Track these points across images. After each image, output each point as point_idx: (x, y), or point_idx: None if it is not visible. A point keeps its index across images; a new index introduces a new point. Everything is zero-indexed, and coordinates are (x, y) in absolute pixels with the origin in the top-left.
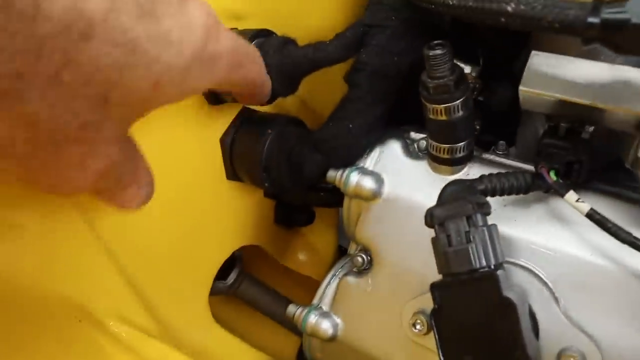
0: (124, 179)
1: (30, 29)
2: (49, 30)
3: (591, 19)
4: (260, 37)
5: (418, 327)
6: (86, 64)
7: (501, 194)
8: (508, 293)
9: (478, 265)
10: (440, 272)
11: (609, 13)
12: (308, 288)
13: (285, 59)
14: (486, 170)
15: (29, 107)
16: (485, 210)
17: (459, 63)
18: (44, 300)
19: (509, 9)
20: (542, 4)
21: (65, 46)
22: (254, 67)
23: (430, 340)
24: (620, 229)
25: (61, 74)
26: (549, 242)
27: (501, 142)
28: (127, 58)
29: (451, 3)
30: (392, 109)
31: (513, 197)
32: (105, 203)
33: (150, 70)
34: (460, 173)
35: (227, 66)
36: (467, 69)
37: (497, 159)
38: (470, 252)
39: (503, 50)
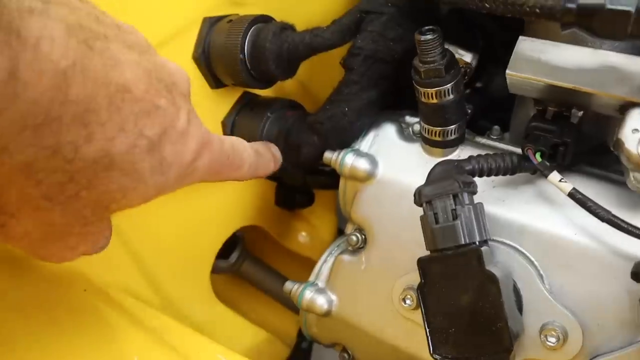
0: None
1: (66, 166)
2: (81, 166)
3: (568, 5)
4: (259, 22)
5: (408, 302)
6: (100, 187)
7: (488, 175)
8: (491, 268)
9: (463, 242)
10: (428, 248)
11: None
12: (308, 269)
13: (283, 44)
14: (477, 153)
15: (50, 215)
16: (472, 189)
17: (461, 51)
18: (51, 269)
19: None
20: None
21: (89, 175)
22: (233, 172)
23: (419, 315)
24: (600, 207)
25: (80, 193)
26: (536, 222)
27: (495, 127)
28: (131, 184)
29: None
30: (388, 93)
31: (502, 178)
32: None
33: (145, 192)
34: (452, 155)
35: (203, 175)
36: (468, 57)
37: (490, 142)
38: (456, 228)
39: (500, 37)
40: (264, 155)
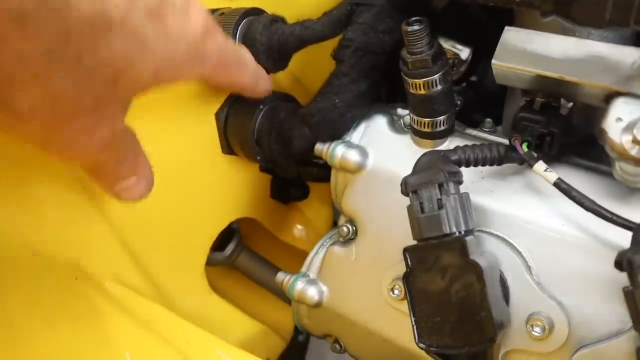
0: (125, 162)
1: (60, 20)
2: (76, 22)
3: None
4: (250, 15)
5: (396, 292)
6: (103, 52)
7: (475, 165)
8: (476, 258)
9: (448, 231)
10: (414, 237)
11: None
12: (303, 261)
13: (274, 36)
14: (467, 144)
15: (57, 83)
16: (457, 178)
17: (458, 45)
18: (43, 256)
19: None
20: None
21: (89, 36)
22: (240, 71)
23: (407, 306)
24: (584, 197)
25: (83, 57)
26: (523, 212)
27: (488, 119)
28: (136, 51)
29: None
30: (379, 85)
31: (491, 169)
32: (107, 189)
33: (153, 61)
34: (442, 146)
35: (214, 64)
36: (465, 52)
37: (480, 134)
38: (441, 218)
39: (495, 31)
40: (262, 70)
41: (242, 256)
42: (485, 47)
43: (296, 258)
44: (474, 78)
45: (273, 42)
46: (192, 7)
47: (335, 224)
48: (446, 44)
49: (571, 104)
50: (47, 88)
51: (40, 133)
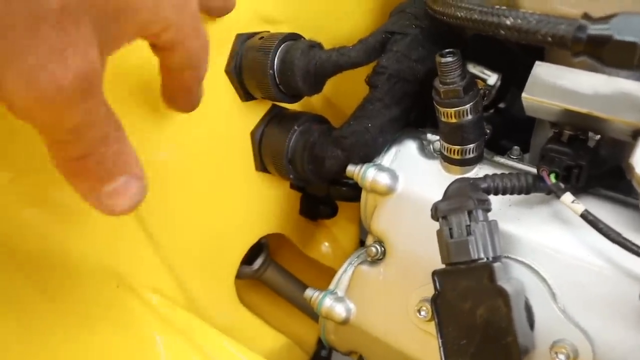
0: (109, 142)
1: None
2: None
3: (578, 35)
4: (289, 40)
5: (423, 313)
6: None
7: (503, 193)
8: (503, 284)
9: (476, 257)
10: (443, 261)
11: (595, 29)
12: (329, 278)
13: (311, 61)
14: (495, 172)
15: None
16: (486, 206)
17: (486, 71)
18: (87, 265)
19: (508, 22)
20: (536, 19)
21: None
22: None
23: (434, 327)
24: (611, 229)
25: None
26: (550, 241)
27: (515, 147)
28: None
29: (459, 15)
30: (410, 110)
31: (518, 198)
32: (91, 194)
33: None
34: (470, 173)
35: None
36: (493, 78)
37: (508, 162)
38: (470, 244)
39: (523, 60)
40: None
41: (270, 270)
42: (514, 74)
43: (321, 274)
44: (502, 105)
45: (310, 67)
46: None
47: (361, 242)
48: (474, 69)
49: (599, 136)
50: None
51: None
